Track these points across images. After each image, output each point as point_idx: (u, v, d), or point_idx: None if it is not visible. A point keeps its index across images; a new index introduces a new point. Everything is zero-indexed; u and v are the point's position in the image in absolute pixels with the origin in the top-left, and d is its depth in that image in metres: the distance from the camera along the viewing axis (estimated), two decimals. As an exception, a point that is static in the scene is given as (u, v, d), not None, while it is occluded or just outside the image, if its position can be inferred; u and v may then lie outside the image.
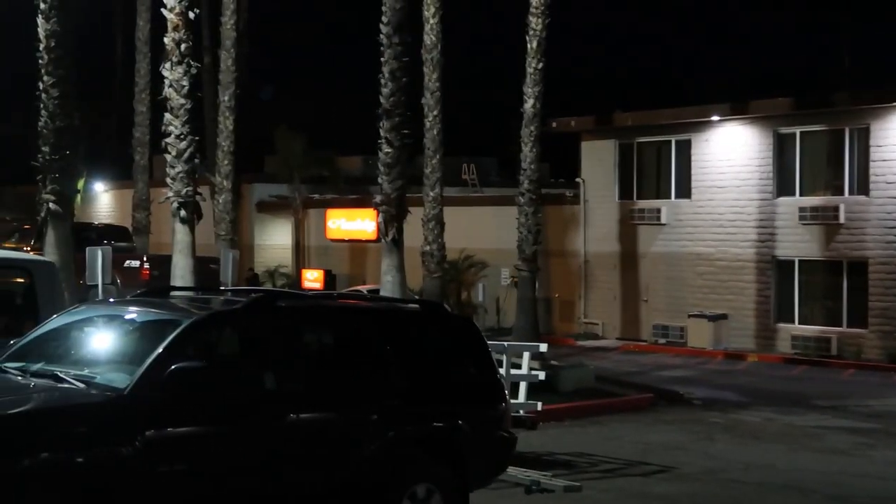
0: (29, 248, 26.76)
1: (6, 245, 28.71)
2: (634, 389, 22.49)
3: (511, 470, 11.76)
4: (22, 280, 12.33)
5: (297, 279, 38.72)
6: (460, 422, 9.79)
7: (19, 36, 24.67)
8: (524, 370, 15.33)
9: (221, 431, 8.27)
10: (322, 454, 8.83)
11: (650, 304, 32.86)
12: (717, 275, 31.44)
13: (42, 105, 19.64)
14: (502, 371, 13.59)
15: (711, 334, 30.65)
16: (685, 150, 32.24)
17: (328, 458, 8.87)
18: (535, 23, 27.56)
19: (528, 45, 27.69)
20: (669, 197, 32.63)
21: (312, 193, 42.82)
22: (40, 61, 19.67)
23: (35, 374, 8.43)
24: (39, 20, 19.63)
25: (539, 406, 15.30)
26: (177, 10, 19.68)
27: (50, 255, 18.59)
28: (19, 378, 8.42)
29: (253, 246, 43.13)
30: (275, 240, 43.50)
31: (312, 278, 36.77)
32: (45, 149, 19.64)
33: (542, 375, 15.90)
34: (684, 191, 32.25)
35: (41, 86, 19.66)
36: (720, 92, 38.21)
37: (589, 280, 34.29)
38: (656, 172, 33.26)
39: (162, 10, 20.10)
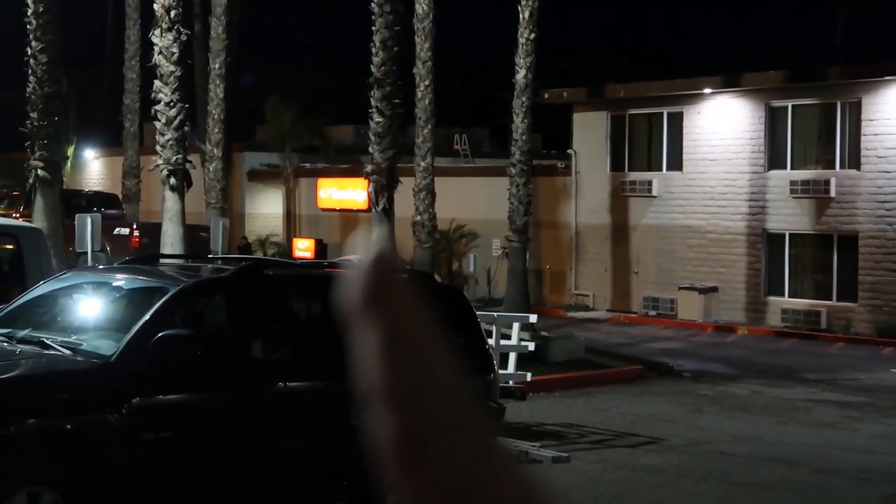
0: (18, 215, 26.66)
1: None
2: (624, 361, 22.51)
3: (499, 440, 11.75)
4: (9, 246, 12.28)
5: (288, 248, 38.68)
6: (449, 392, 9.77)
7: (7, 1, 24.48)
8: (514, 341, 15.33)
9: (208, 399, 8.26)
10: (309, 423, 8.81)
11: (641, 277, 32.86)
12: (708, 247, 31.44)
13: (30, 71, 19.52)
14: (492, 341, 13.57)
15: (702, 307, 30.68)
16: (677, 122, 32.15)
17: (315, 427, 8.85)
18: (528, -8, 27.42)
19: (521, 15, 27.55)
20: (661, 169, 32.57)
21: (303, 162, 42.70)
22: (28, 27, 19.53)
23: (21, 341, 8.39)
24: (28, -16, 19.49)
25: (528, 377, 15.30)
26: (167, -25, 19.56)
27: (38, 221, 18.52)
28: (5, 344, 8.38)
29: (244, 214, 43.02)
30: (266, 208, 43.40)
31: (304, 247, 36.73)
32: (34, 115, 19.54)
33: (531, 346, 15.92)
34: (676, 163, 32.18)
35: (29, 51, 19.53)
36: (712, 64, 38.20)
37: (580, 251, 34.27)
38: (648, 144, 33.19)
39: (152, -25, 19.99)
